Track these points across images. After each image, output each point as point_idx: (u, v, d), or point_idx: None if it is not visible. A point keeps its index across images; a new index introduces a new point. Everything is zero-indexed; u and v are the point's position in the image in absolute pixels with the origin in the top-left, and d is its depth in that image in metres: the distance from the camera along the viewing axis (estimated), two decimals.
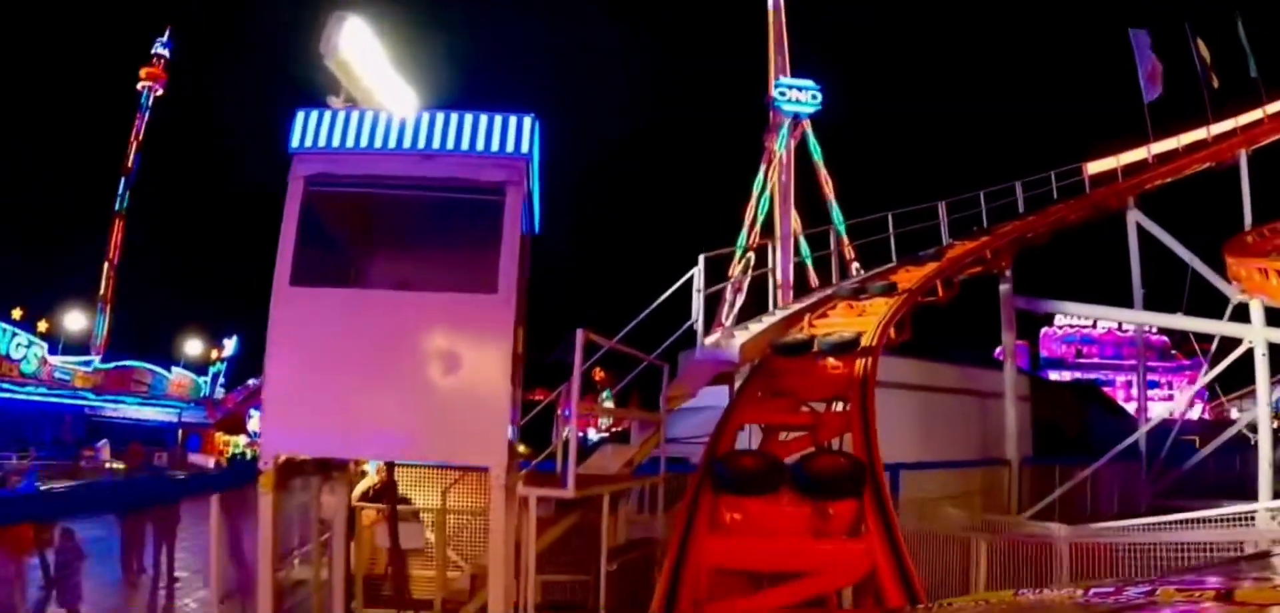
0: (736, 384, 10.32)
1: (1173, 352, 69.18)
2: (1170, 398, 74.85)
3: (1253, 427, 24.51)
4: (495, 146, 7.26)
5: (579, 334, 6.53)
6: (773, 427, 8.01)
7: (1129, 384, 72.42)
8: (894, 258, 17.45)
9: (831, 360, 8.82)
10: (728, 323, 43.86)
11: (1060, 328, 73.41)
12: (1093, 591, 2.53)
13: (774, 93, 43.80)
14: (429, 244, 9.01)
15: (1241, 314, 23.74)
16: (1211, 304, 25.02)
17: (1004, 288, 19.21)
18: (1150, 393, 73.28)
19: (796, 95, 43.98)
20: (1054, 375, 64.03)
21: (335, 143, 7.32)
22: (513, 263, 6.95)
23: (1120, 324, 67.22)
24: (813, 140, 45.94)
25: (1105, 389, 58.37)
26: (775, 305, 13.26)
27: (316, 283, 6.96)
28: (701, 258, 10.86)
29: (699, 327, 11.11)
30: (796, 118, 44.27)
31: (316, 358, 6.66)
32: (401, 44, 9.01)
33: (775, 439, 7.90)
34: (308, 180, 7.09)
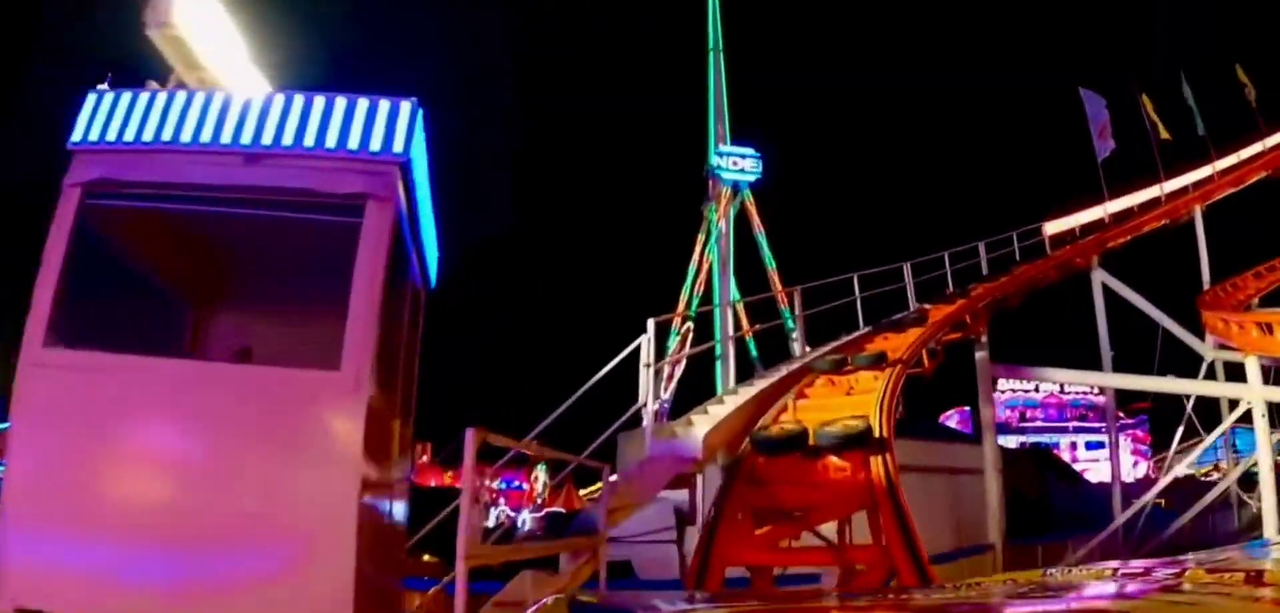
0: (699, 490, 7.93)
1: (1118, 413, 69.37)
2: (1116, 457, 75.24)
3: (1244, 483, 23.49)
4: (354, 143, 4.93)
5: (469, 437, 4.14)
6: (766, 570, 5.58)
7: (1073, 447, 72.29)
8: (861, 323, 15.44)
9: (835, 460, 6.53)
10: (666, 395, 41.65)
11: (1003, 392, 73.23)
12: (1123, 570, 2.67)
13: (713, 161, 42.52)
14: (282, 296, 6.58)
15: (1216, 372, 22.84)
16: (1181, 361, 24.16)
17: (981, 355, 17.36)
18: (1094, 453, 73.73)
19: (736, 164, 42.82)
20: (1000, 441, 63.26)
21: (129, 136, 4.95)
22: (368, 319, 4.60)
23: (1062, 387, 67.33)
24: (752, 209, 44.41)
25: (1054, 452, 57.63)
26: (730, 382, 11.05)
27: (93, 344, 4.66)
28: (651, 323, 8.58)
29: (648, 409, 8.75)
30: (736, 187, 43.03)
31: (81, 463, 4.38)
32: (270, 25, 6.67)
33: (768, 580, 5.49)
34: (86, 189, 4.89)
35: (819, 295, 16.02)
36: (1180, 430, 27.20)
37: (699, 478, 7.98)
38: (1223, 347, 21.33)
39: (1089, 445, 74.53)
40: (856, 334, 14.23)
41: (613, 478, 8.02)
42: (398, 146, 4.92)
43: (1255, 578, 2.28)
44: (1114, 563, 3.18)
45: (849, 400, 8.83)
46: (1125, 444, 69.62)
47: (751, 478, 6.74)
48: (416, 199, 5.56)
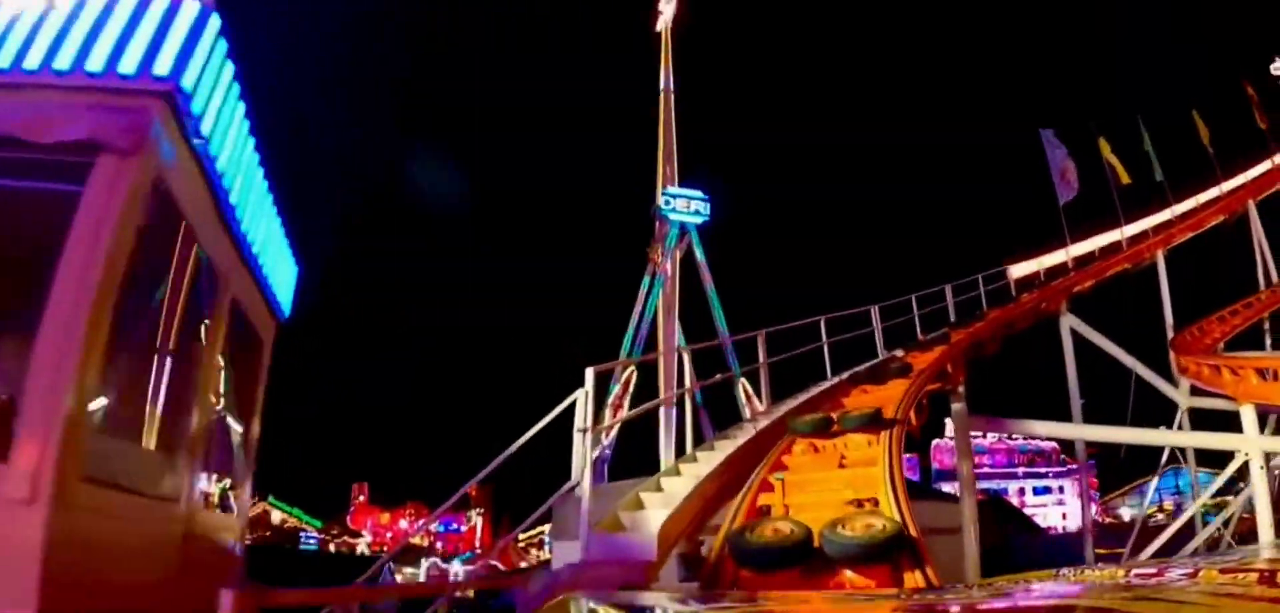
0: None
1: (1063, 457, 69.35)
2: (1062, 502, 75.32)
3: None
4: (95, 63, 2.86)
5: None
6: None
7: (1022, 492, 72.02)
8: (829, 372, 13.61)
9: (853, 576, 4.53)
10: (607, 442, 39.46)
11: (951, 439, 72.82)
12: (1134, 572, 2.92)
13: (660, 201, 40.99)
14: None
15: (1183, 422, 21.86)
16: (1149, 408, 23.20)
17: (958, 407, 15.69)
18: (1041, 499, 73.63)
19: (684, 205, 41.36)
20: (947, 488, 62.54)
21: None
22: (75, 363, 2.51)
23: (1009, 435, 67.04)
24: (699, 251, 42.61)
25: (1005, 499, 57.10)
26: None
27: None
28: (590, 373, 6.57)
29: (584, 488, 6.63)
30: (683, 229, 41.52)
31: None
32: None
33: None
34: None
35: (781, 342, 13.99)
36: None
37: (654, 591, 5.88)
38: (1199, 392, 20.26)
39: (1037, 490, 74.51)
40: (828, 384, 12.40)
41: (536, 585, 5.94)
42: (162, 68, 2.86)
43: (1269, 578, 2.30)
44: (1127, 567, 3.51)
45: (844, 475, 6.86)
46: (1070, 488, 69.58)
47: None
48: (219, 168, 3.44)
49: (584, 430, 6.66)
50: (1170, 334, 23.81)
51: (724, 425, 12.11)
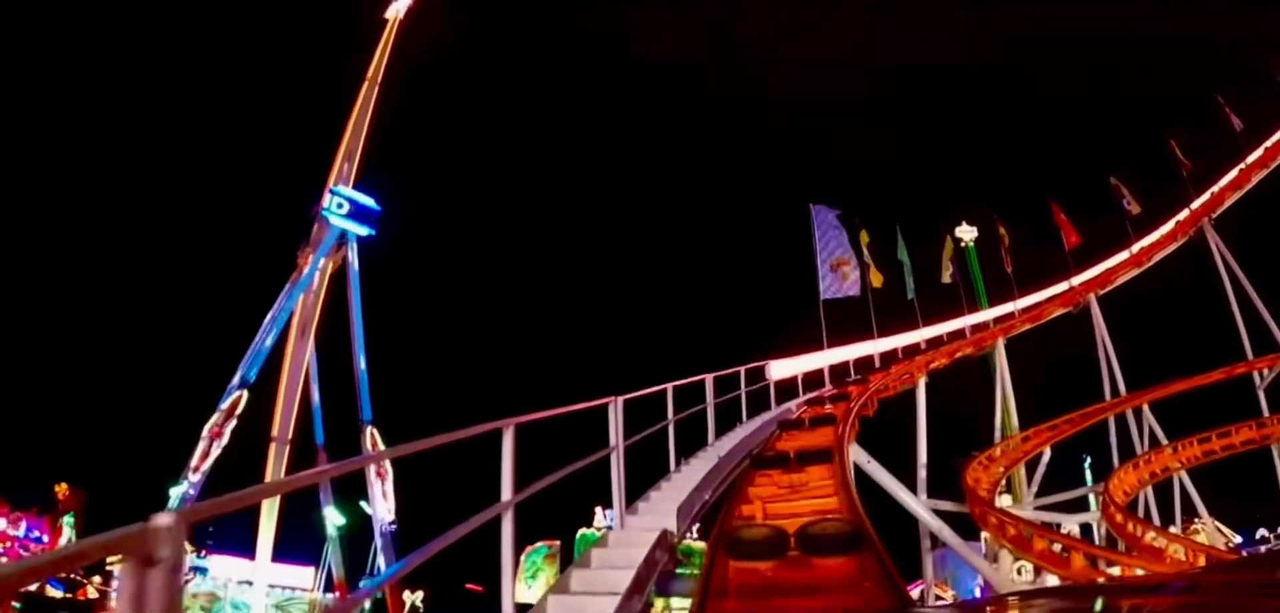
0: None
1: None
2: None
3: None
4: None
5: None
6: None
7: None
8: (710, 436, 11.93)
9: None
10: (197, 477, 32.40)
11: None
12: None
13: (325, 201, 35.42)
14: None
15: None
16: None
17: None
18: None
19: (350, 210, 36.48)
20: None
21: None
22: None
23: None
24: (355, 266, 37.13)
25: None
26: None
27: None
28: None
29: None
30: (344, 237, 36.54)
31: None
32: None
33: None
34: None
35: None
36: None
37: None
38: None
39: None
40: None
41: None
42: None
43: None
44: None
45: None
46: None
47: None
48: None
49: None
50: None
51: None
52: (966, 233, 47.51)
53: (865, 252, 26.72)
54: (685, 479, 8.68)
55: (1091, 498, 32.49)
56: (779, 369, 20.93)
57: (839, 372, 24.07)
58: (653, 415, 8.86)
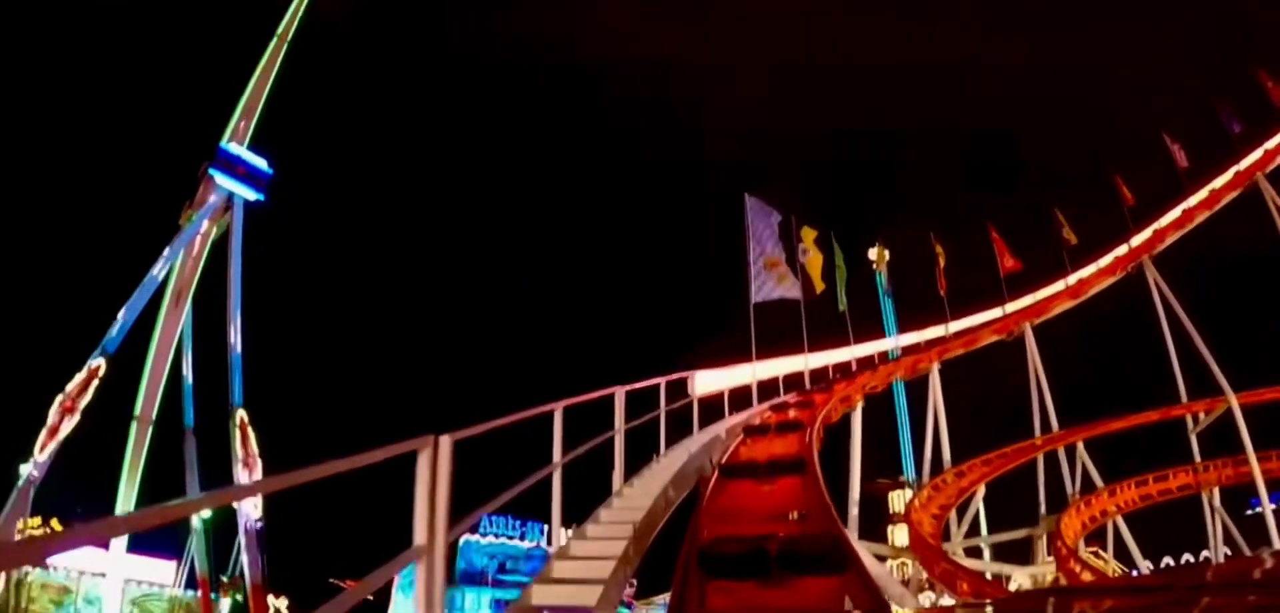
0: None
1: None
2: None
3: None
4: None
5: None
6: None
7: None
8: (662, 447, 10.20)
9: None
10: (43, 458, 28.60)
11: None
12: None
13: (216, 158, 31.95)
14: None
15: None
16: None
17: None
18: None
19: (240, 171, 33.05)
20: None
21: None
22: None
23: None
24: (238, 232, 33.43)
25: None
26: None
27: None
28: None
29: None
30: (231, 200, 33.07)
31: None
32: None
33: None
34: None
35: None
36: None
37: None
38: None
39: None
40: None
41: None
42: None
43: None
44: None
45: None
46: None
47: None
48: None
49: None
50: None
51: None
52: (878, 254, 46.11)
53: (811, 248, 23.87)
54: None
55: (1041, 543, 30.72)
56: (706, 382, 16.68)
57: (768, 387, 20.60)
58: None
